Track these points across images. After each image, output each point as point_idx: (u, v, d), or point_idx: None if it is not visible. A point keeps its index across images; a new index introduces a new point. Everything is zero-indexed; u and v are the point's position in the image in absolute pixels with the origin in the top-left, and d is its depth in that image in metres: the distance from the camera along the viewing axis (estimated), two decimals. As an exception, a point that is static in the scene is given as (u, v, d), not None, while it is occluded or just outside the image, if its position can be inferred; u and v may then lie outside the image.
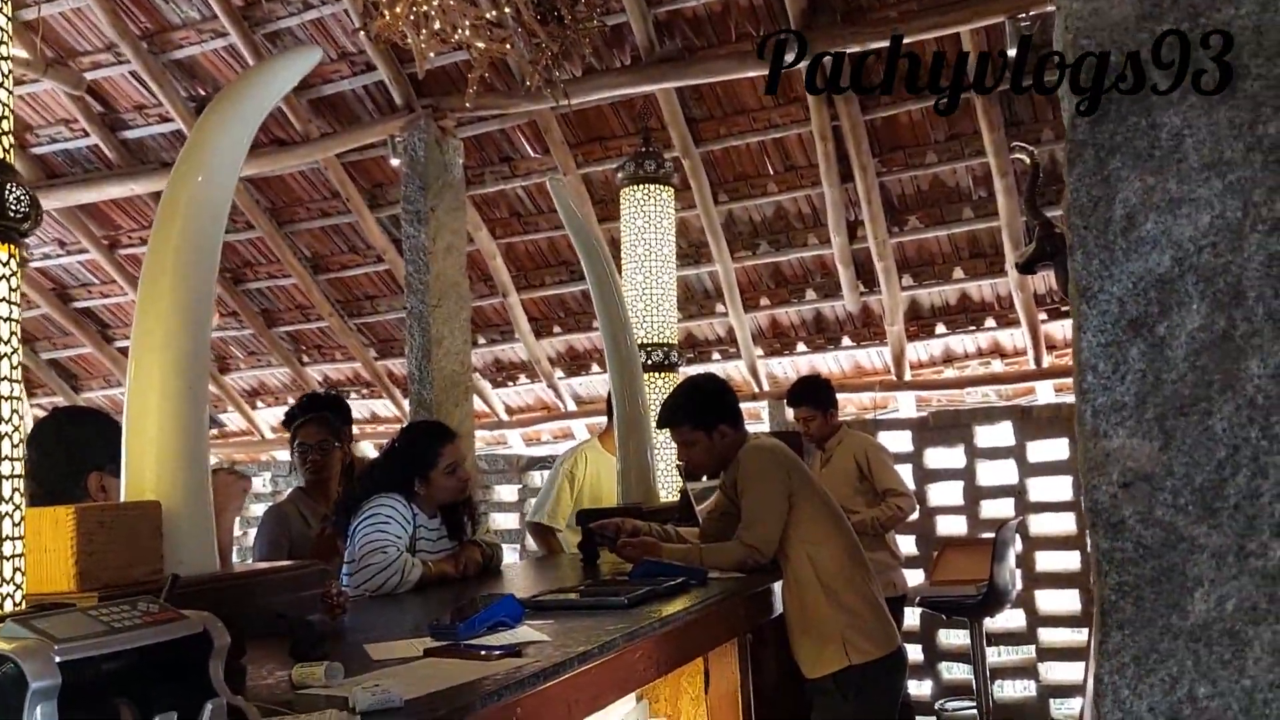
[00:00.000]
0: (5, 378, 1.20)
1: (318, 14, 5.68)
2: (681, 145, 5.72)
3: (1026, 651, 5.15)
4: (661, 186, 4.39)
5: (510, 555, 5.49)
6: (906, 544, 4.94)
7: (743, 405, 3.08)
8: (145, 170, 6.49)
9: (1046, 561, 5.04)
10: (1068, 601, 5.01)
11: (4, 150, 1.22)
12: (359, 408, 7.57)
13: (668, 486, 3.96)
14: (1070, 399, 1.03)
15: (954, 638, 5.08)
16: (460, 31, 3.69)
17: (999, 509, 5.08)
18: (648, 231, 4.33)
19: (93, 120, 6.44)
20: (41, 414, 6.53)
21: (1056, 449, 5.07)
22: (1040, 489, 5.11)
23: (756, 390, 6.51)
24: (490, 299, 6.77)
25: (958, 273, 5.92)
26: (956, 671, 5.12)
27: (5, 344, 1.20)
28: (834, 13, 5.00)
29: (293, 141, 6.15)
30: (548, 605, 2.26)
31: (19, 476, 1.23)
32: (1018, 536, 4.56)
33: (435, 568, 2.81)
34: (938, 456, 5.28)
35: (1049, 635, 5.02)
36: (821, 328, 6.40)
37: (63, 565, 1.37)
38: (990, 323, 6.01)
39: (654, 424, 3.38)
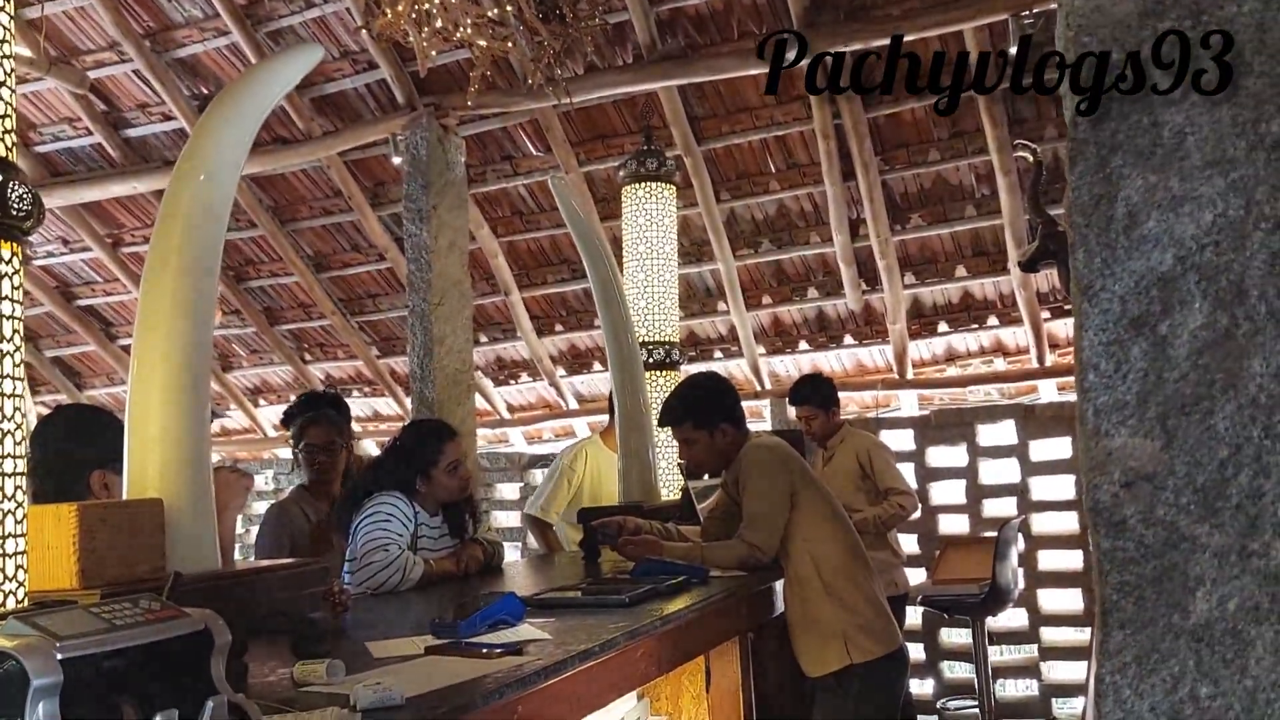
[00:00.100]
0: (8, 375, 1.20)
1: (320, 12, 5.68)
2: (683, 143, 5.71)
3: (1029, 650, 5.15)
4: (663, 184, 4.39)
5: (512, 553, 5.49)
6: (908, 542, 4.94)
7: (744, 404, 3.08)
8: (148, 168, 6.49)
9: (1049, 560, 5.04)
10: (1070, 600, 5.01)
11: (7, 148, 1.22)
12: (361, 406, 7.58)
13: (669, 485, 3.96)
14: (1073, 397, 1.03)
15: (956, 636, 5.08)
16: (462, 29, 3.68)
17: (1001, 508, 5.08)
18: (649, 229, 4.33)
19: (96, 119, 6.45)
20: (45, 411, 6.53)
21: (1059, 448, 5.06)
22: (1042, 488, 5.11)
23: (758, 389, 6.51)
24: (492, 297, 6.77)
25: (960, 271, 5.92)
26: (958, 670, 5.12)
27: (8, 342, 1.20)
28: (836, 10, 4.99)
29: (295, 140, 6.15)
30: (549, 603, 2.26)
31: (21, 474, 1.23)
32: (1020, 535, 4.55)
33: (437, 566, 2.82)
34: (940, 455, 5.28)
35: (1051, 634, 5.02)
36: (823, 326, 6.40)
37: (65, 563, 1.37)
38: (993, 321, 6.00)
39: (655, 422, 3.38)
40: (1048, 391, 6.03)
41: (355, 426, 6.90)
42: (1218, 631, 0.91)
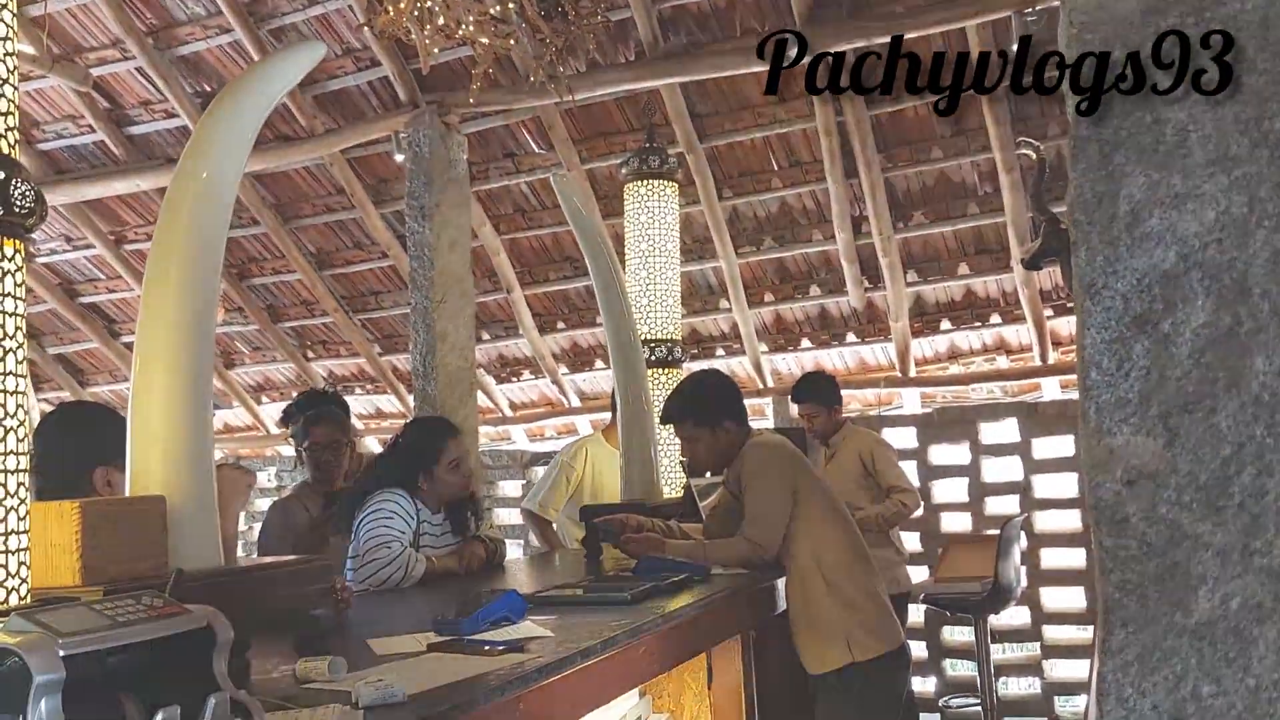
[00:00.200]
0: (11, 373, 1.20)
1: (322, 10, 5.67)
2: (685, 140, 5.71)
3: (1031, 648, 5.15)
4: (665, 182, 4.38)
5: (514, 551, 5.50)
6: (911, 540, 4.94)
7: (747, 401, 3.08)
8: (151, 166, 6.49)
9: (1052, 558, 5.03)
10: (1073, 598, 5.00)
11: (10, 145, 1.22)
12: (363, 403, 7.59)
13: (671, 482, 3.96)
14: (1075, 395, 1.03)
15: (958, 634, 5.08)
16: (464, 27, 3.68)
17: (1004, 506, 5.07)
18: (651, 227, 4.33)
19: (99, 116, 6.46)
20: (48, 408, 6.53)
21: (1062, 445, 5.06)
22: (1045, 485, 5.11)
23: (760, 386, 6.51)
24: (494, 294, 6.77)
25: (963, 268, 5.91)
26: (961, 668, 5.12)
27: (11, 339, 1.20)
28: (839, 7, 4.98)
29: (297, 137, 6.16)
30: (551, 601, 2.26)
31: (24, 471, 1.23)
32: (1022, 533, 4.55)
33: (439, 563, 2.82)
34: (942, 453, 5.28)
35: (1054, 632, 5.02)
36: (826, 324, 6.39)
37: (67, 559, 1.37)
38: (996, 319, 5.99)
39: (657, 420, 3.38)
40: (1050, 389, 6.02)
41: (357, 424, 6.91)
42: (1220, 630, 0.91)
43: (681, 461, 3.46)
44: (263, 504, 5.99)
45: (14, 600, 1.18)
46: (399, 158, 5.61)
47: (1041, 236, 3.48)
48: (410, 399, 6.14)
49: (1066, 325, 5.81)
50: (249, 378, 7.88)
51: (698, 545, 2.81)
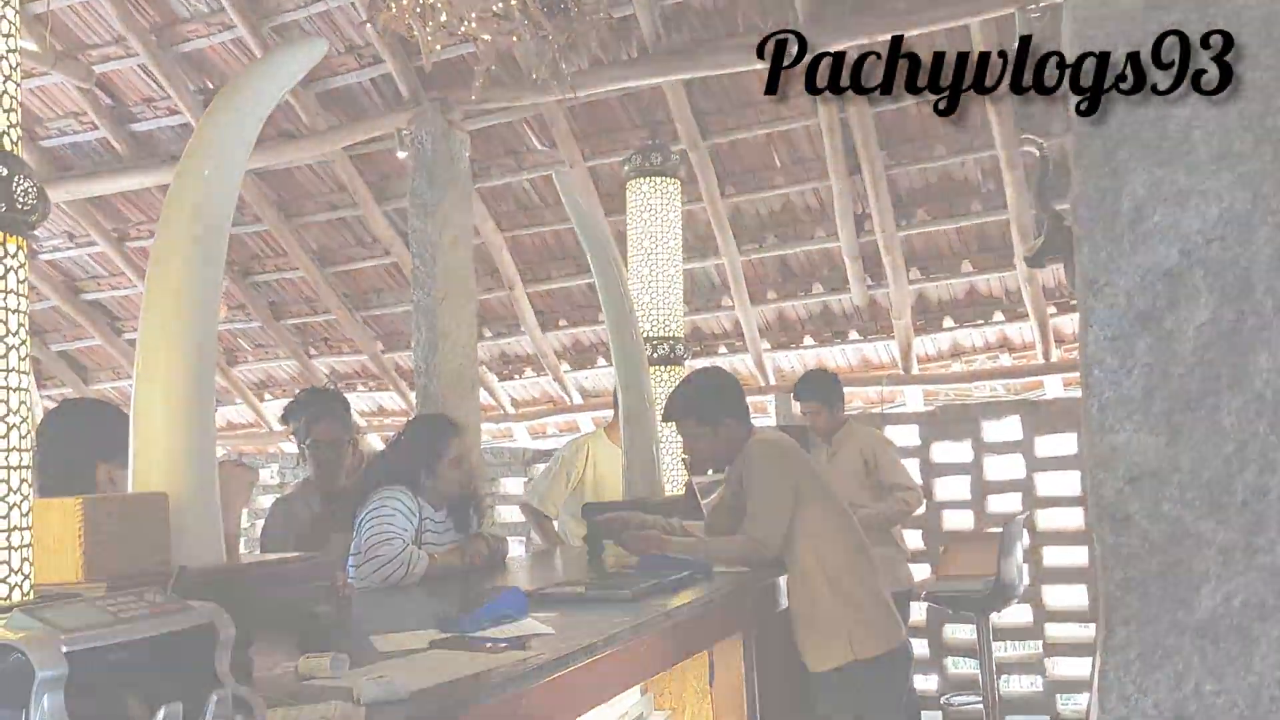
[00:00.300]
0: (14, 369, 1.20)
1: (324, 7, 5.67)
2: (688, 138, 5.70)
3: (1033, 646, 5.15)
4: (668, 179, 4.38)
5: (516, 548, 5.50)
6: (913, 538, 4.94)
7: (749, 399, 3.07)
8: (154, 163, 6.49)
9: (1054, 556, 5.03)
10: (1075, 596, 5.00)
11: (13, 143, 1.22)
12: (366, 401, 7.59)
13: (673, 480, 3.96)
14: (1079, 393, 1.02)
15: (960, 632, 5.08)
16: (467, 24, 3.68)
17: (1006, 504, 5.07)
18: (654, 225, 4.32)
19: (101, 113, 6.46)
20: (51, 405, 6.54)
21: (1065, 443, 5.06)
22: (1048, 483, 5.11)
23: (763, 384, 6.50)
24: (496, 292, 6.77)
25: (966, 266, 5.90)
26: (963, 666, 5.13)
27: (13, 336, 1.20)
28: (842, 4, 4.98)
29: (300, 134, 6.15)
30: (553, 598, 2.26)
31: (27, 467, 1.23)
32: (1025, 531, 4.55)
33: (441, 560, 2.82)
34: (945, 451, 5.28)
35: (1056, 630, 5.02)
36: (828, 321, 6.39)
37: (70, 556, 1.38)
38: (999, 317, 5.98)
39: (660, 417, 3.38)
40: (1053, 387, 6.01)
41: (359, 421, 6.92)
42: (1222, 628, 0.91)
43: (683, 459, 3.46)
44: (265, 501, 6.00)
45: (17, 596, 1.18)
46: (401, 155, 5.60)
47: (1045, 234, 3.47)
48: (412, 396, 6.14)
49: (1070, 323, 5.80)
50: (251, 375, 7.88)
51: (699, 543, 2.81)
